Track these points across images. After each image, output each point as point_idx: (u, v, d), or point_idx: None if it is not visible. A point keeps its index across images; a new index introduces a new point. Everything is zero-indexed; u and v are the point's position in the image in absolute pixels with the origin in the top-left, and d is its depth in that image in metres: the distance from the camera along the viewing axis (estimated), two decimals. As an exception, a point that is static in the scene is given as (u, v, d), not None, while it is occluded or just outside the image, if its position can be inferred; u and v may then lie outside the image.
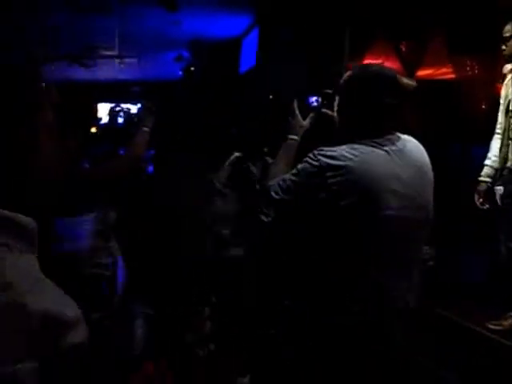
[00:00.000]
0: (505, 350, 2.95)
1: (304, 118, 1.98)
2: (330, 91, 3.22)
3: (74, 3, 5.55)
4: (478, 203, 3.22)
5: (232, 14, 6.53)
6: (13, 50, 0.91)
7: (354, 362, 1.55)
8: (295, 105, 2.03)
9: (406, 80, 4.22)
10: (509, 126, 3.08)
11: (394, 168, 1.55)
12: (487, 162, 3.23)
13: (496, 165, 3.18)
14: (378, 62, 5.42)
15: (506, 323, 3.08)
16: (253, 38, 6.72)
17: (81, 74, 8.87)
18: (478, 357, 2.99)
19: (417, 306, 1.66)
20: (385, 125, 1.63)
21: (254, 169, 3.28)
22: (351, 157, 1.52)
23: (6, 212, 0.79)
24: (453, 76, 4.59)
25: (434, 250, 3.83)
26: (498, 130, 3.20)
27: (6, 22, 6.10)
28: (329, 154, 1.53)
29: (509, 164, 3.08)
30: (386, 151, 1.56)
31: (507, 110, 3.09)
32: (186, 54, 8.47)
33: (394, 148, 1.58)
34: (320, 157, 1.54)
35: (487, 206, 3.19)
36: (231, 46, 7.52)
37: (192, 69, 8.43)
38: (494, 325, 3.10)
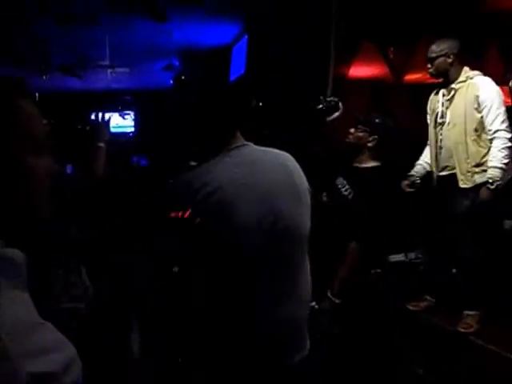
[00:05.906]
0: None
1: None
2: (333, 98, 3.23)
3: (61, 15, 5.59)
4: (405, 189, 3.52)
5: (221, 23, 6.58)
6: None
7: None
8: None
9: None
10: (436, 137, 3.34)
11: (241, 177, 1.49)
12: (419, 161, 3.56)
13: (427, 168, 3.52)
14: (366, 67, 5.50)
15: (422, 304, 3.46)
16: (242, 46, 6.77)
17: (73, 83, 8.91)
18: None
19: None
20: (225, 135, 1.58)
21: None
22: (196, 172, 1.53)
23: None
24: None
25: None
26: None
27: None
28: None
29: (436, 171, 3.37)
30: (232, 162, 1.52)
31: (435, 123, 3.36)
32: (176, 63, 8.51)
33: (241, 159, 1.54)
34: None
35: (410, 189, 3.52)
36: (221, 54, 7.57)
37: (182, 77, 8.47)
38: (413, 306, 3.48)
